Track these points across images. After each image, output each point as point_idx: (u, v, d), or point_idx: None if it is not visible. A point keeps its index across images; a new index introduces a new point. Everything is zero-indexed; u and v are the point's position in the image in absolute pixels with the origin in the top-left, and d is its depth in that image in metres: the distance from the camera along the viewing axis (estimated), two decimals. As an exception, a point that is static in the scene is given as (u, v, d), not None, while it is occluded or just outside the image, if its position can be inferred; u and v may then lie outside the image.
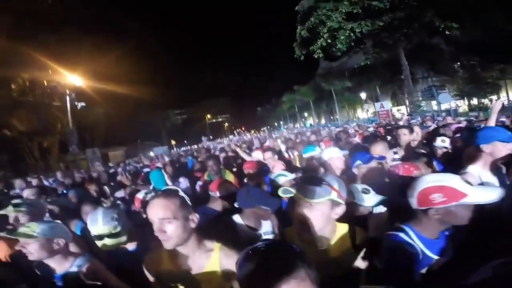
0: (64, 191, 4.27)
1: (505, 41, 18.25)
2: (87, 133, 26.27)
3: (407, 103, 25.62)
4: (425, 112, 19.09)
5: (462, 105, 27.65)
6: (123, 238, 1.71)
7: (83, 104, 22.06)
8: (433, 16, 16.84)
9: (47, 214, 2.56)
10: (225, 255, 1.25)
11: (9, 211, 2.20)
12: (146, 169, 6.04)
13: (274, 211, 1.86)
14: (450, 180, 1.16)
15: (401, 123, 6.95)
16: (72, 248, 1.68)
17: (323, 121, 51.32)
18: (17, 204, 2.26)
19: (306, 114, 55.16)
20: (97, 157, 19.19)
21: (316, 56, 19.36)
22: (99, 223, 1.65)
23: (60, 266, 1.55)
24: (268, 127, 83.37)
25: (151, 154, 19.78)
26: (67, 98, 19.38)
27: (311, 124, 44.78)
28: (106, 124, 31.27)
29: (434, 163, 2.60)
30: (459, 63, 26.20)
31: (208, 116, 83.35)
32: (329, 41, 18.03)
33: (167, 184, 3.28)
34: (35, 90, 22.79)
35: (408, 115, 11.36)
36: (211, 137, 58.32)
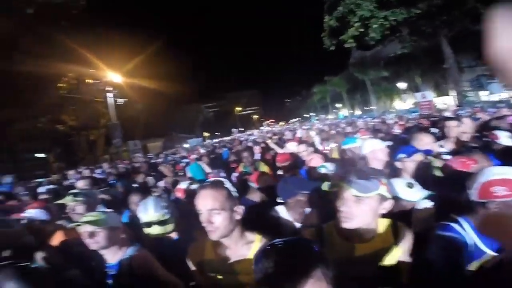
0: (112, 181, 4.60)
1: None
2: (128, 127, 28.04)
3: (453, 94, 23.52)
4: (473, 103, 17.38)
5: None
6: (170, 226, 1.78)
7: (124, 99, 23.55)
8: (476, 2, 15.12)
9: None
10: None
11: (68, 200, 2.29)
12: (184, 160, 6.30)
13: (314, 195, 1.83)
14: None
15: (448, 114, 6.42)
16: (124, 237, 1.74)
17: (357, 112, 49.24)
18: (75, 194, 2.34)
19: (338, 105, 53.31)
20: (138, 148, 20.56)
21: (347, 46, 18.40)
22: (149, 210, 1.73)
23: (114, 255, 1.57)
24: (299, 118, 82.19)
25: (186, 146, 20.65)
26: (109, 94, 20.88)
27: (344, 115, 43.23)
28: (145, 118, 33.15)
29: (489, 158, 2.37)
30: (511, 50, 23.38)
31: (238, 108, 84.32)
32: (360, 30, 17.01)
33: (206, 175, 3.37)
34: (80, 87, 24.79)
35: (457, 106, 10.36)
36: (241, 128, 59.08)
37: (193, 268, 1.37)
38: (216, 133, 54.19)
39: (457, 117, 3.94)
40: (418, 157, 2.11)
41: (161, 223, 1.75)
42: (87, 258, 1.67)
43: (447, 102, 25.26)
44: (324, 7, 18.92)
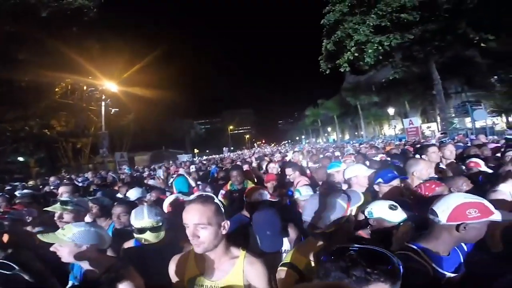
0: (96, 190, 4.48)
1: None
2: (117, 137, 27.58)
3: (439, 120, 24.35)
4: (458, 130, 18.01)
5: (500, 122, 25.65)
6: (162, 234, 1.80)
7: (116, 109, 23.32)
8: (466, 27, 16.01)
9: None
10: (249, 263, 1.27)
11: (56, 208, 2.23)
12: (173, 175, 6.25)
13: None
14: (480, 197, 1.24)
15: (433, 141, 6.70)
16: (109, 252, 1.69)
17: (347, 137, 50.24)
18: (64, 202, 2.29)
19: (329, 129, 54.44)
20: (125, 160, 20.14)
21: (342, 70, 18.90)
22: (144, 217, 1.76)
23: (96, 268, 1.53)
24: (289, 141, 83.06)
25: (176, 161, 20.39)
26: (103, 103, 20.73)
27: (334, 140, 43.98)
28: (134, 130, 32.71)
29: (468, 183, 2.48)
30: (496, 76, 24.47)
31: (230, 127, 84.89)
32: (356, 54, 17.47)
33: (191, 189, 3.35)
34: (75, 94, 24.49)
35: (442, 133, 10.70)
36: (231, 148, 59.04)
37: (174, 279, 1.35)
38: (206, 151, 53.95)
39: (440, 144, 4.11)
40: (395, 182, 2.24)
41: (154, 229, 1.76)
42: (65, 268, 1.64)
43: (433, 128, 26.18)
44: (323, 31, 19.49)
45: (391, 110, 28.33)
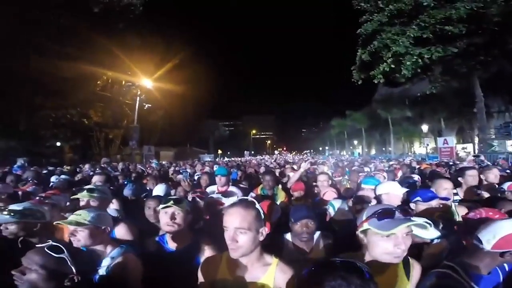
0: (125, 182, 4.67)
1: None
2: (146, 131, 28.70)
3: (477, 141, 22.47)
4: (497, 153, 16.48)
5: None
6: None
7: (149, 105, 24.37)
8: None
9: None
10: (281, 271, 1.25)
11: (83, 196, 2.29)
12: (198, 174, 6.37)
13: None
14: None
15: (465, 164, 6.37)
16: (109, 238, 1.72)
17: (373, 152, 48.37)
18: (91, 189, 2.35)
19: (355, 142, 52.64)
20: (152, 154, 20.88)
21: (376, 82, 17.99)
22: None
23: (98, 254, 1.58)
24: (312, 150, 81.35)
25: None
26: (138, 98, 21.76)
27: (359, 153, 42.47)
28: (163, 125, 33.92)
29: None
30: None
31: (253, 131, 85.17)
32: (393, 66, 16.50)
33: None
34: (113, 87, 25.95)
35: (474, 156, 9.87)
36: (252, 152, 59.10)
37: (202, 280, 1.35)
38: (228, 153, 54.57)
39: (483, 167, 3.91)
40: (434, 202, 2.19)
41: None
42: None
43: (469, 149, 24.27)
44: (359, 40, 18.68)
45: (424, 127, 26.53)
